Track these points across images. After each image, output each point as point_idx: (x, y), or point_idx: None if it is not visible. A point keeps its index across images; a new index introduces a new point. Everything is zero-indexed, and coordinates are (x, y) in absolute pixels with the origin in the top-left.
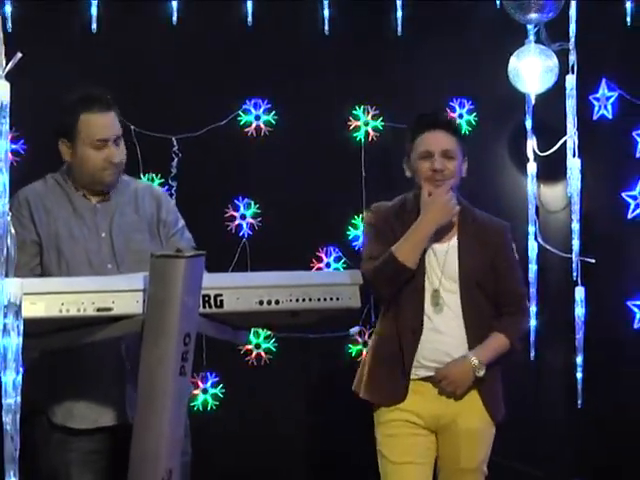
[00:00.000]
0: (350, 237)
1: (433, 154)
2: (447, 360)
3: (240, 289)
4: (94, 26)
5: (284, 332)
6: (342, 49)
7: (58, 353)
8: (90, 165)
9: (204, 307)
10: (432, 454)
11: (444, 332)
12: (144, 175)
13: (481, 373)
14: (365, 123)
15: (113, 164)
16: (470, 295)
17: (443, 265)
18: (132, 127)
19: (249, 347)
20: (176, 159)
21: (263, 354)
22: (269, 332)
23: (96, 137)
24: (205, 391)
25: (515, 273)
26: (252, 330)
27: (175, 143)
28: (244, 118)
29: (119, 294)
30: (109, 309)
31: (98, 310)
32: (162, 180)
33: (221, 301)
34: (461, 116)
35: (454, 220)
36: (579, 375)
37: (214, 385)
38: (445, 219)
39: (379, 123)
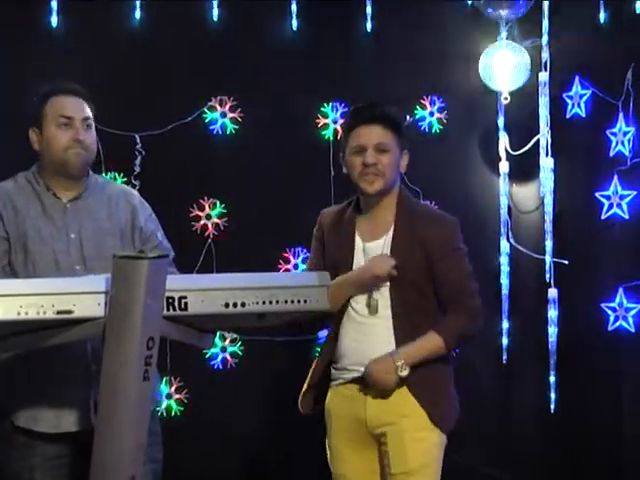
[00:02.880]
0: None
1: (366, 148)
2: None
3: (205, 291)
4: (54, 21)
5: (250, 335)
6: (310, 45)
7: (21, 355)
8: (56, 145)
9: (168, 310)
10: (369, 465)
11: (371, 334)
12: (106, 174)
13: (404, 373)
14: (334, 121)
15: (79, 142)
16: (401, 295)
17: None
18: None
19: (215, 351)
20: (139, 157)
21: (229, 358)
22: (235, 335)
23: (60, 113)
24: (169, 396)
25: (460, 270)
26: (218, 333)
27: (138, 141)
28: (209, 115)
29: (80, 296)
30: (70, 312)
31: (58, 313)
32: (125, 179)
33: (185, 303)
34: (432, 114)
35: (390, 215)
36: (552, 379)
37: (178, 390)
38: (375, 276)
39: None
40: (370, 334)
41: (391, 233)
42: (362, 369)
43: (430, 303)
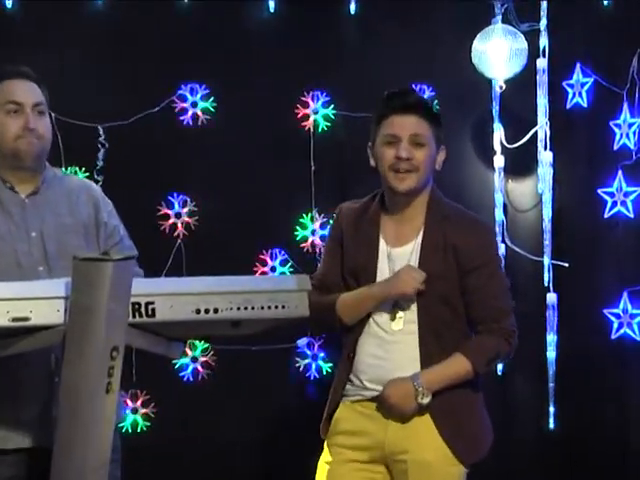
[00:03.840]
0: (298, 238)
1: (400, 139)
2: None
3: (174, 296)
4: (9, 2)
5: (224, 344)
6: (288, 28)
7: None
8: (5, 134)
9: (133, 316)
10: None
11: (394, 352)
12: (66, 168)
13: (425, 401)
14: (314, 111)
15: (30, 130)
16: (429, 310)
17: None
18: (53, 114)
19: (185, 361)
20: (102, 150)
21: (200, 369)
22: (207, 344)
23: (9, 98)
24: (135, 410)
25: (494, 284)
26: (188, 342)
27: (101, 132)
28: (179, 105)
29: (38, 302)
30: (26, 319)
31: (14, 320)
32: (87, 174)
33: (153, 310)
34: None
35: (420, 218)
36: (550, 391)
37: (145, 404)
38: (402, 293)
39: (330, 111)
40: (393, 351)
41: (420, 238)
42: (380, 387)
43: (460, 320)
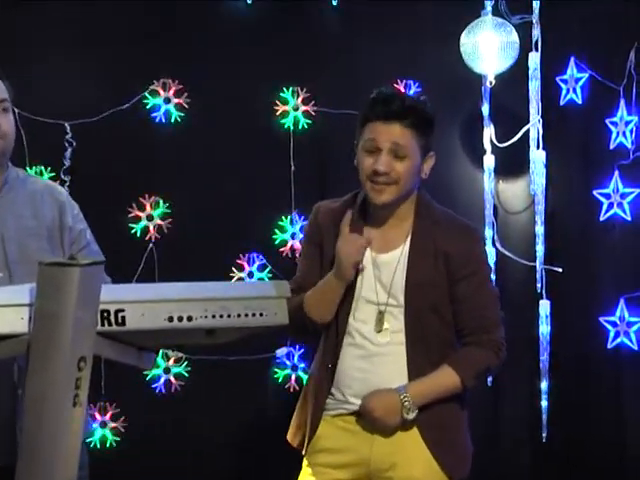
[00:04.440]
0: (277, 242)
1: (380, 149)
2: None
3: (145, 303)
4: None
5: (198, 354)
6: (267, 20)
7: None
8: None
9: (102, 325)
10: None
11: (380, 364)
12: (31, 168)
13: (411, 416)
14: (294, 108)
15: None
16: (418, 320)
17: (391, 279)
18: (17, 111)
19: (157, 372)
20: (70, 149)
21: (173, 380)
22: (180, 354)
23: None
24: (104, 425)
25: (484, 293)
26: (160, 352)
27: (69, 130)
28: (151, 101)
29: (0, 309)
30: None
31: None
32: (53, 174)
33: (123, 318)
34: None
35: (408, 222)
36: (544, 403)
37: (114, 417)
38: (354, 264)
39: (311, 108)
40: (379, 364)
41: (408, 244)
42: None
43: (449, 330)
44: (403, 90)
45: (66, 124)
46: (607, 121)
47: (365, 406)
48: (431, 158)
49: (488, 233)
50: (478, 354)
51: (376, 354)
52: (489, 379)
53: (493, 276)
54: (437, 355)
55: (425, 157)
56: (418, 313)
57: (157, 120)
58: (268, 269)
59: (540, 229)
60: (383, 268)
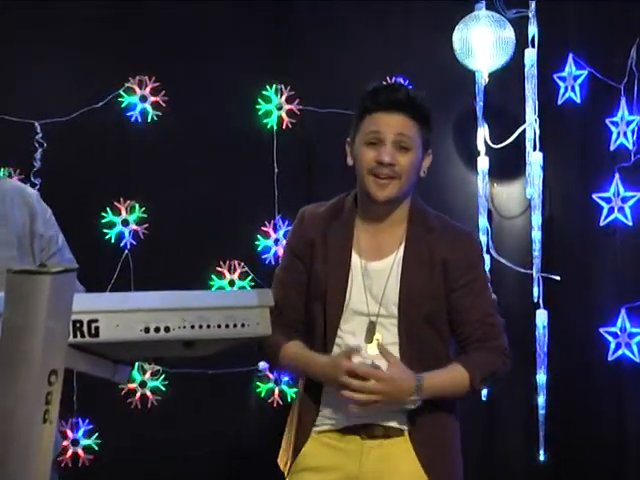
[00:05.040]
0: (259, 249)
1: (383, 140)
2: (371, 412)
3: (120, 313)
4: None
5: (176, 367)
6: (249, 14)
7: None
8: None
9: (75, 336)
10: None
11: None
12: None
13: (412, 406)
14: (278, 107)
15: None
16: (412, 333)
17: (383, 289)
18: None
19: (132, 386)
20: (40, 150)
21: (149, 395)
22: (157, 367)
23: None
24: (76, 442)
25: (485, 300)
26: (136, 365)
27: (39, 130)
28: (126, 99)
29: None
30: None
31: None
32: (22, 176)
33: (96, 328)
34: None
35: (400, 228)
36: (541, 419)
37: (87, 434)
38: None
39: (295, 107)
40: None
41: (402, 251)
42: (365, 418)
43: (444, 343)
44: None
45: (36, 123)
46: (607, 121)
47: (378, 373)
48: (430, 155)
49: (482, 239)
50: (486, 357)
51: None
52: (483, 391)
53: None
54: (430, 369)
55: (425, 154)
56: (412, 325)
57: (133, 119)
58: (250, 277)
59: (537, 235)
60: (374, 277)
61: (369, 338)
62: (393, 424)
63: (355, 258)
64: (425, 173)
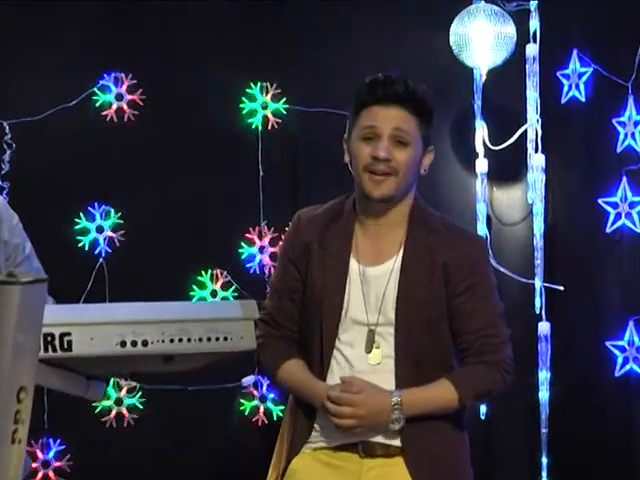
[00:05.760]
0: (243, 257)
1: (380, 135)
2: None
3: (95, 326)
4: None
5: (154, 383)
6: (233, 8)
7: None
8: None
9: (46, 350)
10: None
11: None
12: None
13: (396, 427)
14: (263, 105)
15: None
16: (411, 341)
17: (382, 295)
18: None
19: (107, 404)
20: (8, 152)
21: (126, 413)
22: (134, 383)
23: None
24: (46, 464)
25: (489, 308)
26: (111, 381)
27: (7, 130)
28: (101, 97)
29: None
30: None
31: None
32: None
33: (69, 342)
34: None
35: (401, 230)
36: (543, 438)
37: (58, 456)
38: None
39: (281, 105)
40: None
41: (401, 255)
42: (360, 436)
43: (445, 352)
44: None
45: (5, 123)
46: (614, 121)
47: (350, 397)
48: (431, 152)
49: None
50: (482, 374)
51: (366, 380)
52: (482, 409)
53: None
54: (429, 381)
55: (426, 150)
56: (411, 334)
57: (108, 119)
58: (233, 287)
59: (539, 242)
60: (373, 283)
61: (368, 348)
62: (394, 442)
63: (353, 264)
64: (426, 171)
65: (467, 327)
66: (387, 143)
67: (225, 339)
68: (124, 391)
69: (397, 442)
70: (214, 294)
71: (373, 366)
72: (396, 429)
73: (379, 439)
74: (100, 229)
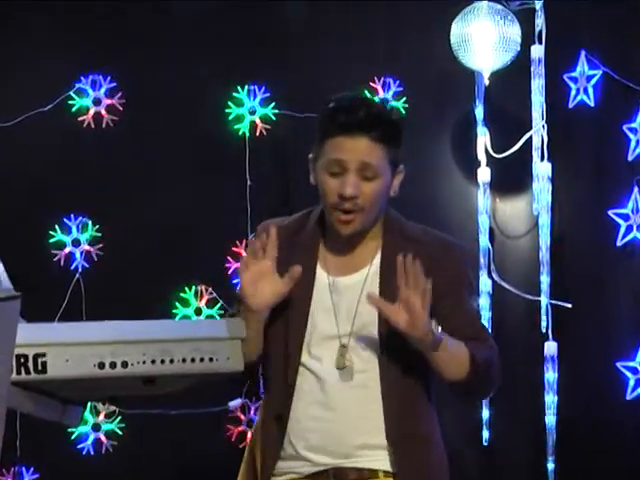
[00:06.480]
0: (229, 272)
1: (346, 168)
2: (344, 450)
3: (71, 346)
4: None
5: (134, 407)
6: (220, 8)
7: None
8: None
9: (18, 372)
10: None
11: (345, 409)
12: None
13: (430, 337)
14: (251, 110)
15: None
16: (393, 350)
17: (356, 306)
18: None
19: (84, 429)
20: None
21: (104, 439)
22: (113, 408)
23: None
24: None
25: (472, 311)
26: (88, 405)
27: None
28: (78, 102)
29: None
30: None
31: None
32: None
33: (43, 364)
34: (385, 101)
35: (374, 240)
36: (550, 466)
37: None
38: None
39: (270, 110)
40: (341, 411)
41: (378, 263)
42: (331, 460)
43: (427, 366)
44: (369, 95)
45: None
46: (625, 127)
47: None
48: (401, 173)
49: (483, 261)
50: (482, 348)
51: (338, 396)
52: (485, 434)
53: (489, 313)
54: (414, 398)
55: (395, 173)
56: (393, 343)
57: (85, 125)
58: (219, 305)
59: (545, 256)
60: (345, 292)
61: (340, 363)
62: (366, 465)
63: (321, 274)
64: (396, 192)
65: (452, 328)
66: (354, 179)
67: (210, 360)
68: (102, 416)
69: (370, 465)
70: (198, 312)
71: (346, 382)
72: (430, 339)
73: (351, 464)
74: (76, 242)
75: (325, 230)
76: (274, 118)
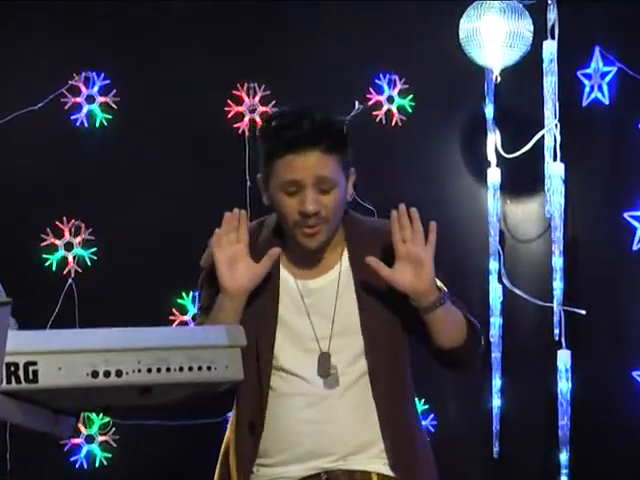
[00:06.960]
0: None
1: (303, 186)
2: (337, 452)
3: (63, 354)
4: None
5: (130, 418)
6: (218, 6)
7: None
8: None
9: (9, 382)
10: None
11: (339, 410)
12: None
13: (432, 298)
14: (251, 109)
15: None
16: (378, 345)
17: (334, 307)
18: None
19: (77, 441)
20: None
21: (98, 451)
22: (107, 418)
23: None
24: None
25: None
26: (82, 416)
27: None
28: (70, 100)
29: None
30: None
31: None
32: None
33: (35, 372)
34: (391, 99)
35: (338, 245)
36: (564, 478)
37: None
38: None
39: (271, 109)
40: (336, 411)
41: (346, 261)
42: (328, 463)
43: (406, 362)
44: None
45: None
46: None
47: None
48: (353, 175)
49: (492, 265)
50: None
51: (328, 400)
52: (495, 449)
53: (500, 320)
54: (402, 395)
55: (348, 178)
56: (376, 337)
57: (78, 124)
58: None
59: (558, 261)
60: (318, 295)
61: (325, 371)
62: (358, 467)
63: (288, 277)
64: (352, 196)
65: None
66: (312, 195)
67: (209, 369)
68: (96, 427)
69: (363, 467)
70: (195, 319)
71: (332, 389)
72: (435, 292)
73: (341, 467)
74: (69, 246)
75: (284, 238)
76: None
